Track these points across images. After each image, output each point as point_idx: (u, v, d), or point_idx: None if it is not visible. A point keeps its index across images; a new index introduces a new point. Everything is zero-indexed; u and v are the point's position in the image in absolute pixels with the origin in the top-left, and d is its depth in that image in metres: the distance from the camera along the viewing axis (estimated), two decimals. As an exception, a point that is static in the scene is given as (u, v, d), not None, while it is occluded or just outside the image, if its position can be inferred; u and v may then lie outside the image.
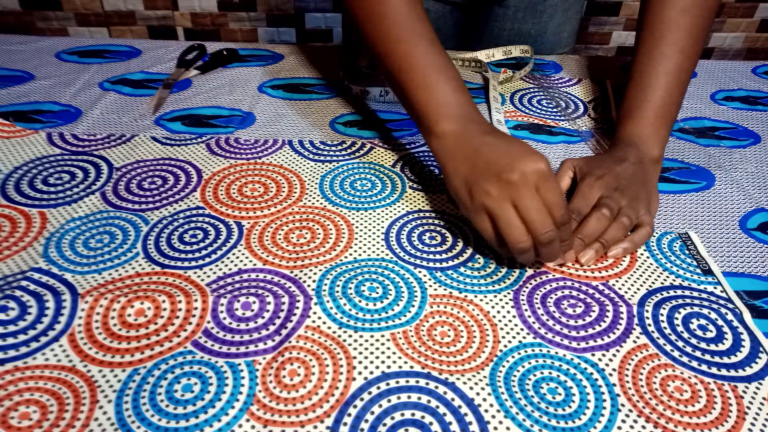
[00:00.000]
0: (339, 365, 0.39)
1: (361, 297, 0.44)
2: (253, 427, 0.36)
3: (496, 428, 0.36)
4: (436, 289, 0.45)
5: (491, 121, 0.67)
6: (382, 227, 0.51)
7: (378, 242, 0.49)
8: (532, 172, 0.42)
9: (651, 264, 0.49)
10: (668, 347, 0.42)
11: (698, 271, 0.48)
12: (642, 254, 0.50)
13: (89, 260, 0.46)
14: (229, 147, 0.60)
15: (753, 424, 0.37)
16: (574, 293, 0.46)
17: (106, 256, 0.47)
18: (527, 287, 0.46)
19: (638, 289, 0.46)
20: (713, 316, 0.44)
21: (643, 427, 0.37)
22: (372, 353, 0.40)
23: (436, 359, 0.40)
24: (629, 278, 0.47)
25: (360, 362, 0.39)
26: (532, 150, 0.44)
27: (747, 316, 0.44)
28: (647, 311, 0.44)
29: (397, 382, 0.38)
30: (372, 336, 0.41)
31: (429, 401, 0.37)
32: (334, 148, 0.61)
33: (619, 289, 0.46)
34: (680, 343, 0.42)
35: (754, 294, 0.47)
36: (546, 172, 0.42)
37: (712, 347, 0.42)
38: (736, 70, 0.82)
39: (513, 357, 0.41)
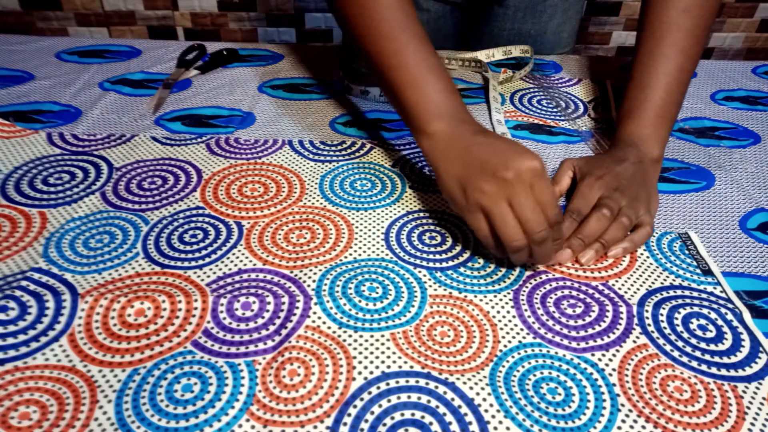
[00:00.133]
0: (339, 365, 0.39)
1: (361, 297, 0.44)
2: (253, 427, 0.36)
3: (496, 428, 0.36)
4: (436, 290, 0.45)
5: (491, 121, 0.67)
6: (382, 227, 0.51)
7: (378, 242, 0.49)
8: (527, 170, 0.42)
9: (651, 264, 0.49)
10: (668, 347, 0.42)
11: (698, 271, 0.48)
12: (642, 254, 0.50)
13: (89, 260, 0.46)
14: (229, 147, 0.60)
15: (753, 424, 0.37)
16: (574, 293, 0.46)
17: (106, 256, 0.47)
18: (527, 287, 0.46)
19: (638, 289, 0.46)
20: (713, 316, 0.44)
21: (643, 427, 0.37)
22: (372, 353, 0.40)
23: (436, 359, 0.40)
24: (629, 278, 0.47)
25: (360, 362, 0.39)
26: (525, 149, 0.44)
27: (747, 316, 0.44)
28: (647, 311, 0.44)
29: (397, 382, 0.38)
30: (372, 336, 0.41)
31: (429, 401, 0.37)
32: (334, 148, 0.61)
33: (619, 289, 0.46)
34: (680, 343, 0.42)
35: (754, 294, 0.47)
36: (540, 171, 0.42)
37: (712, 347, 0.42)
38: (736, 70, 0.82)
39: (513, 357, 0.41)
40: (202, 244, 0.48)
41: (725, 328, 0.43)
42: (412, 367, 0.39)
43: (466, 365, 0.40)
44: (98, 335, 0.40)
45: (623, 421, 0.37)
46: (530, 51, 0.80)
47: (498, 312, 0.44)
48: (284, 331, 0.41)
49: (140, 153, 0.59)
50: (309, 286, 0.45)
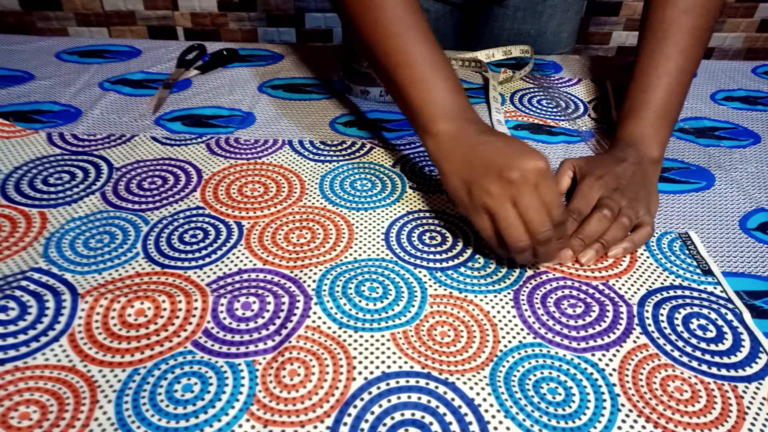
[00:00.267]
0: (339, 365, 0.39)
1: (361, 297, 0.44)
2: (253, 427, 0.36)
3: (496, 428, 0.36)
4: (436, 289, 0.45)
5: (491, 121, 0.67)
6: (382, 227, 0.51)
7: (378, 242, 0.49)
8: (532, 170, 0.42)
9: (651, 264, 0.49)
10: (668, 347, 0.42)
11: (698, 271, 0.48)
12: (642, 254, 0.50)
13: (89, 260, 0.46)
14: (229, 147, 0.60)
15: (753, 424, 0.37)
16: (574, 293, 0.46)
17: (106, 256, 0.47)
18: (527, 287, 0.46)
19: (638, 289, 0.46)
20: (713, 316, 0.44)
21: (643, 427, 0.37)
22: (372, 353, 0.40)
23: (436, 359, 0.40)
24: (629, 278, 0.47)
25: (360, 362, 0.39)
26: (530, 148, 0.44)
27: (747, 316, 0.44)
28: (647, 311, 0.44)
29: (397, 382, 0.38)
30: (372, 336, 0.41)
31: (429, 401, 0.37)
32: (334, 148, 0.61)
33: (619, 289, 0.46)
34: (680, 343, 0.42)
35: (754, 294, 0.47)
36: (545, 171, 0.42)
37: (712, 347, 0.42)
38: (736, 70, 0.82)
39: (513, 357, 0.41)
40: (202, 244, 0.48)
41: (725, 328, 0.43)
42: (412, 367, 0.39)
43: (466, 365, 0.40)
44: (98, 335, 0.40)
45: (623, 421, 0.37)
46: (530, 51, 0.80)
47: (498, 312, 0.44)
48: (284, 331, 0.41)
49: (140, 153, 0.59)
50: (309, 286, 0.45)
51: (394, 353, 0.40)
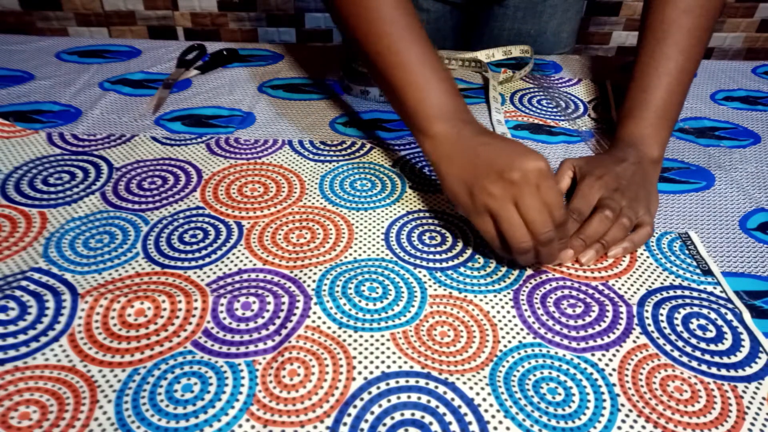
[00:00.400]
0: (339, 365, 0.39)
1: (361, 297, 0.44)
2: (253, 427, 0.36)
3: (496, 428, 0.36)
4: (436, 289, 0.45)
5: (491, 121, 0.67)
6: (382, 227, 0.51)
7: (378, 242, 0.49)
8: (533, 170, 0.42)
9: (651, 264, 0.49)
10: (668, 347, 0.42)
11: (698, 271, 0.48)
12: (642, 254, 0.50)
13: (89, 260, 0.46)
14: (229, 147, 0.60)
15: (753, 424, 0.37)
16: (574, 293, 0.46)
17: (106, 256, 0.47)
18: (527, 287, 0.46)
19: (638, 289, 0.46)
20: (713, 316, 0.44)
21: (643, 427, 0.37)
22: (372, 353, 0.40)
23: (436, 359, 0.40)
24: (629, 278, 0.47)
25: (360, 362, 0.39)
26: (530, 149, 0.44)
27: (747, 316, 0.44)
28: (647, 311, 0.44)
29: (397, 382, 0.38)
30: (372, 336, 0.41)
31: (429, 401, 0.37)
32: (334, 148, 0.61)
33: (619, 289, 0.46)
34: (680, 343, 0.42)
35: (754, 294, 0.47)
36: (546, 171, 0.42)
37: (712, 347, 0.42)
38: (736, 70, 0.82)
39: (513, 357, 0.41)
40: (202, 244, 0.48)
41: (725, 328, 0.43)
42: (412, 367, 0.39)
43: (466, 365, 0.40)
44: (98, 335, 0.40)
45: (623, 421, 0.37)
46: (530, 51, 0.80)
47: (498, 312, 0.44)
48: (284, 331, 0.41)
49: (140, 153, 0.59)
50: (309, 286, 0.45)
51: (393, 353, 0.40)
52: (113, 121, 0.64)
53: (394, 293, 0.45)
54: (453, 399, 0.37)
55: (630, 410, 0.38)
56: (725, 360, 0.41)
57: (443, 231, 0.51)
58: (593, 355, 0.41)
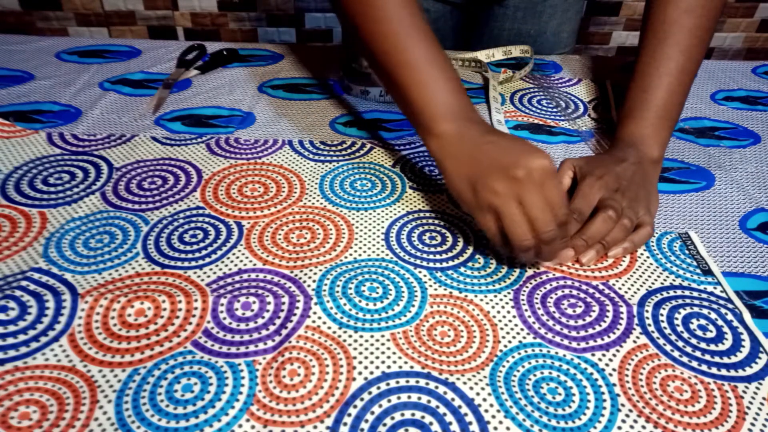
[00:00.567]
0: (339, 365, 0.39)
1: (361, 297, 0.44)
2: (253, 427, 0.36)
3: (496, 428, 0.36)
4: (436, 289, 0.45)
5: (491, 121, 0.67)
6: (382, 227, 0.51)
7: (378, 242, 0.49)
8: (537, 168, 0.42)
9: (651, 264, 0.49)
10: (668, 347, 0.42)
11: (698, 271, 0.48)
12: (642, 254, 0.50)
13: (89, 260, 0.46)
14: (229, 147, 0.60)
15: (753, 424, 0.37)
16: (574, 293, 0.46)
17: (106, 256, 0.47)
18: (527, 287, 0.46)
19: (638, 289, 0.46)
20: (713, 316, 0.44)
21: (643, 427, 0.37)
22: (372, 353, 0.40)
23: (436, 359, 0.40)
24: (629, 278, 0.47)
25: (360, 362, 0.39)
26: (535, 147, 0.44)
27: (747, 316, 0.44)
28: (647, 311, 0.44)
29: (397, 382, 0.38)
30: (372, 336, 0.41)
31: (429, 401, 0.37)
32: (334, 148, 0.61)
33: (619, 289, 0.46)
34: (680, 343, 0.42)
35: (754, 294, 0.47)
36: (550, 169, 0.42)
37: (712, 347, 0.42)
38: (736, 70, 0.82)
39: (513, 357, 0.41)
40: (202, 244, 0.48)
41: (725, 328, 0.43)
42: (412, 367, 0.39)
43: (466, 365, 0.40)
44: (98, 335, 0.40)
45: (623, 421, 0.37)
46: (530, 51, 0.80)
47: (498, 312, 0.44)
48: (284, 331, 0.41)
49: (140, 153, 0.59)
50: (309, 286, 0.45)
51: (394, 353, 0.40)
52: (113, 121, 0.64)
53: (395, 293, 0.45)
54: (453, 399, 0.37)
55: (630, 410, 0.38)
56: (725, 360, 0.41)
57: (443, 231, 0.51)
58: (593, 355, 0.41)
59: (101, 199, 0.53)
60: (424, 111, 0.48)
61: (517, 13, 0.85)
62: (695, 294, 0.46)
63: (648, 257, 0.50)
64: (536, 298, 0.45)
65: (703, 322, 0.44)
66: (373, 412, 0.36)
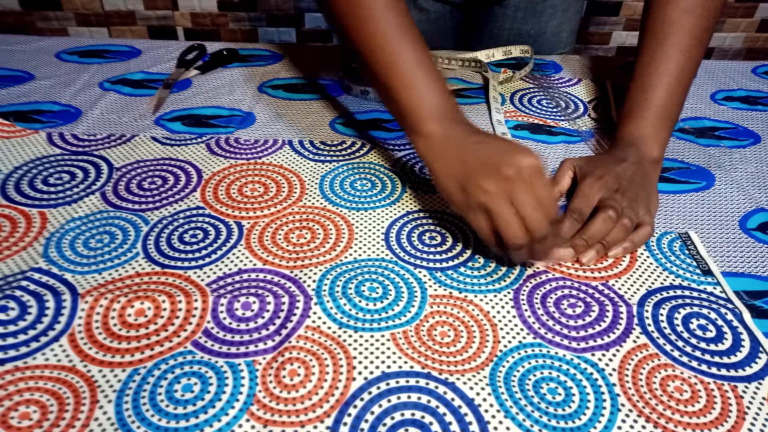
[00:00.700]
0: (339, 365, 0.39)
1: (361, 297, 0.44)
2: (253, 427, 0.36)
3: (496, 428, 0.36)
4: (436, 289, 0.45)
5: (491, 121, 0.67)
6: (382, 227, 0.51)
7: (378, 242, 0.49)
8: (527, 167, 0.42)
9: (651, 264, 0.49)
10: (668, 347, 0.42)
11: (698, 271, 0.48)
12: (642, 254, 0.50)
13: (89, 260, 0.46)
14: (229, 147, 0.60)
15: (753, 424, 0.37)
16: (574, 293, 0.46)
17: (106, 256, 0.47)
18: (527, 287, 0.46)
19: (638, 289, 0.46)
20: (713, 316, 0.44)
21: (643, 427, 0.37)
22: (372, 353, 0.40)
23: (436, 359, 0.40)
24: (629, 278, 0.47)
25: (360, 362, 0.39)
26: (523, 146, 0.44)
27: (747, 316, 0.44)
28: (647, 311, 0.44)
29: (397, 382, 0.38)
30: (372, 336, 0.41)
31: (429, 401, 0.37)
32: (334, 148, 0.61)
33: (619, 289, 0.46)
34: (680, 343, 0.42)
35: (754, 294, 0.47)
36: (540, 168, 0.42)
37: (712, 347, 0.42)
38: (736, 70, 0.82)
39: (513, 357, 0.41)
40: (202, 244, 0.48)
41: (725, 328, 0.43)
42: (412, 367, 0.39)
43: (466, 365, 0.40)
44: (98, 335, 0.40)
45: (623, 421, 0.37)
46: (530, 51, 0.80)
47: (498, 312, 0.44)
48: (284, 331, 0.41)
49: (140, 153, 0.59)
50: (309, 286, 0.45)
51: (394, 353, 0.40)
52: (113, 121, 0.64)
53: (394, 293, 0.45)
54: (453, 399, 0.37)
55: (630, 410, 0.38)
56: (725, 360, 0.41)
57: (443, 231, 0.51)
58: (593, 355, 0.41)
59: (101, 199, 0.53)
60: (410, 112, 0.49)
61: (517, 13, 0.85)
62: (695, 294, 0.46)
63: (648, 257, 0.50)
64: (536, 298, 0.45)
65: (703, 322, 0.44)
66: (373, 412, 0.36)
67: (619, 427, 0.37)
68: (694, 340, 0.42)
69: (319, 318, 0.42)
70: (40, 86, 0.69)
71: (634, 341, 0.42)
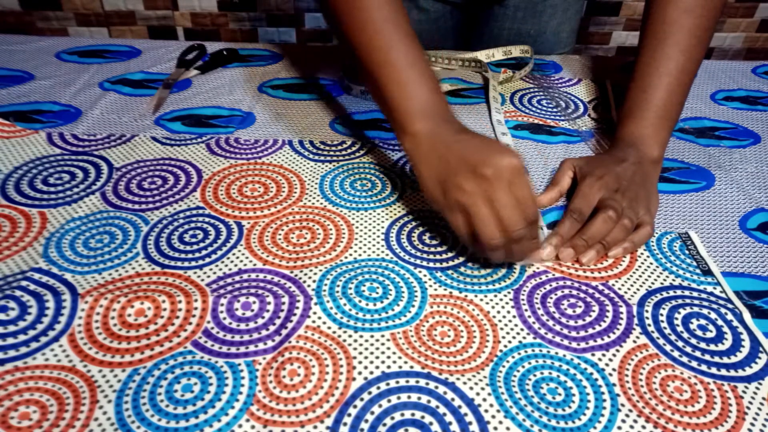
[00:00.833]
0: (339, 365, 0.39)
1: (361, 297, 0.44)
2: (253, 427, 0.36)
3: (496, 428, 0.36)
4: (436, 289, 0.45)
5: (491, 121, 0.67)
6: (382, 227, 0.51)
7: (378, 242, 0.49)
8: (506, 167, 0.42)
9: (651, 264, 0.49)
10: (668, 347, 0.42)
11: (698, 271, 0.48)
12: (642, 254, 0.50)
13: (89, 260, 0.46)
14: (229, 147, 0.60)
15: (753, 424, 0.37)
16: (574, 293, 0.46)
17: (106, 256, 0.47)
18: (527, 287, 0.46)
19: (638, 289, 0.46)
20: (713, 316, 0.44)
21: (643, 427, 0.37)
22: (372, 353, 0.40)
23: (436, 359, 0.40)
24: (629, 278, 0.47)
25: (360, 362, 0.39)
26: (504, 147, 0.44)
27: (747, 316, 0.44)
28: (647, 311, 0.44)
29: (397, 382, 0.38)
30: (372, 336, 0.41)
31: (429, 401, 0.37)
32: (334, 148, 0.61)
33: (619, 289, 0.46)
34: (680, 343, 0.42)
35: (754, 294, 0.47)
36: (519, 168, 0.42)
37: (712, 347, 0.42)
38: (736, 70, 0.82)
39: (513, 357, 0.41)
40: (202, 244, 0.48)
41: (725, 328, 0.43)
42: (412, 367, 0.39)
43: (466, 365, 0.40)
44: (98, 335, 0.40)
45: (623, 421, 0.37)
46: (530, 51, 0.80)
47: (498, 312, 0.44)
48: (284, 331, 0.41)
49: (140, 153, 0.59)
50: (309, 286, 0.45)
51: (394, 353, 0.40)
52: (113, 121, 0.64)
53: (394, 293, 0.45)
54: (453, 399, 0.37)
55: (630, 410, 0.38)
56: (725, 360, 0.41)
57: (443, 231, 0.51)
58: (593, 355, 0.41)
59: (101, 199, 0.53)
60: (399, 110, 0.49)
61: (517, 13, 0.85)
62: (695, 294, 0.46)
63: (648, 257, 0.50)
64: (536, 298, 0.45)
65: (703, 322, 0.44)
66: (373, 412, 0.36)
67: (619, 427, 0.37)
68: (694, 340, 0.42)
69: (319, 318, 0.42)
70: (40, 86, 0.69)
71: (634, 341, 0.42)
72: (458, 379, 0.39)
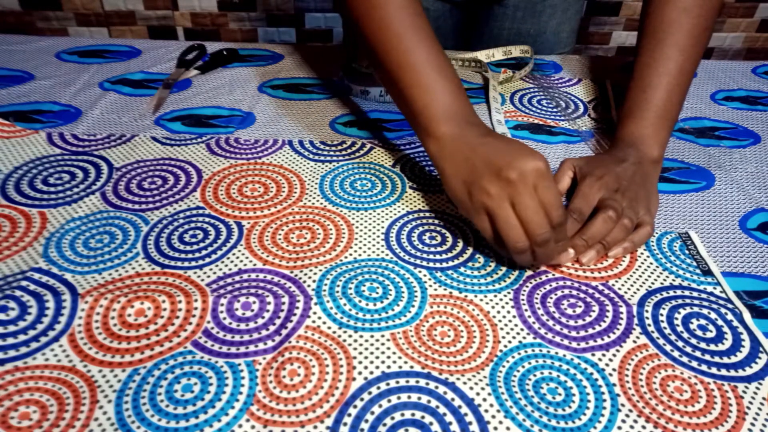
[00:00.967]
0: (339, 365, 0.39)
1: (361, 297, 0.44)
2: (253, 427, 0.36)
3: (496, 428, 0.36)
4: (436, 289, 0.45)
5: (491, 121, 0.67)
6: (382, 227, 0.51)
7: (378, 242, 0.49)
8: (531, 170, 0.42)
9: (651, 264, 0.49)
10: (668, 347, 0.42)
11: (698, 271, 0.48)
12: (642, 254, 0.50)
13: (89, 260, 0.46)
14: (229, 147, 0.60)
15: (753, 424, 0.37)
16: (574, 293, 0.46)
17: (106, 256, 0.47)
18: (527, 287, 0.46)
19: (638, 289, 0.46)
20: (713, 316, 0.44)
21: (643, 427, 0.37)
22: (372, 353, 0.40)
23: (436, 359, 0.40)
24: (629, 278, 0.47)
25: (360, 362, 0.39)
26: (530, 149, 0.44)
27: (747, 316, 0.44)
28: (647, 311, 0.44)
29: (397, 382, 0.38)
30: (372, 336, 0.41)
31: (429, 401, 0.37)
32: (334, 148, 0.61)
33: (619, 289, 0.46)
34: (680, 343, 0.42)
35: (754, 294, 0.47)
36: (544, 171, 0.42)
37: (712, 347, 0.42)
38: (736, 70, 0.82)
39: (513, 357, 0.41)
40: (202, 244, 0.48)
41: (725, 328, 0.43)
42: (412, 367, 0.39)
43: (466, 365, 0.40)
44: (98, 335, 0.40)
45: (623, 421, 0.37)
46: (530, 51, 0.80)
47: (498, 312, 0.44)
48: (284, 331, 0.41)
49: (140, 153, 0.59)
50: (309, 286, 0.45)
51: (394, 353, 0.40)
52: (113, 121, 0.64)
53: (395, 293, 0.45)
54: (453, 399, 0.37)
55: (630, 410, 0.38)
56: (725, 360, 0.41)
57: (443, 231, 0.51)
58: (593, 355, 0.41)
59: (101, 199, 0.53)
60: (423, 113, 0.49)
61: (517, 13, 0.85)
62: (695, 294, 0.46)
63: (648, 257, 0.50)
64: (536, 298, 0.45)
65: (703, 322, 0.44)
66: (373, 412, 0.36)
67: (619, 427, 0.37)
68: (694, 340, 0.42)
69: (319, 318, 0.42)
70: (40, 86, 0.69)
71: (634, 341, 0.42)
72: (458, 379, 0.39)
